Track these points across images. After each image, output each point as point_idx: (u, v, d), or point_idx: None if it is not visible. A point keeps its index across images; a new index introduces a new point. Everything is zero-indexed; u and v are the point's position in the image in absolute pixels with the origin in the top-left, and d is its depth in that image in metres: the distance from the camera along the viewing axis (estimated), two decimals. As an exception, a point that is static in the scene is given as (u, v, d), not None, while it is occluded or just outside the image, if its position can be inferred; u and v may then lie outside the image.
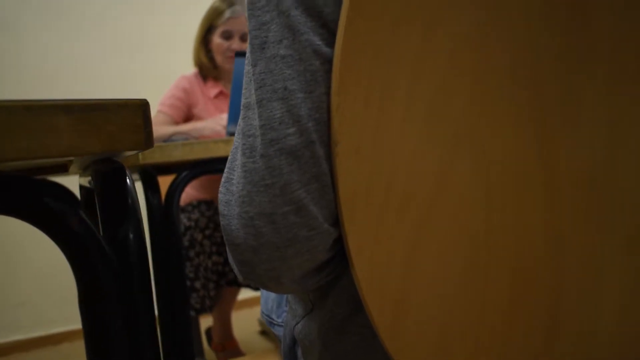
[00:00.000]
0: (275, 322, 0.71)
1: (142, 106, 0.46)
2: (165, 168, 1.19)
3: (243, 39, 1.92)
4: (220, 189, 0.47)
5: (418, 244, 0.43)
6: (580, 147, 0.45)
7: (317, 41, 0.40)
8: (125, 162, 1.12)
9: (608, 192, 0.47)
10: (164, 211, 1.12)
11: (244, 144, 0.43)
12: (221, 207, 0.46)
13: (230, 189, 0.45)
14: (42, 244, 2.53)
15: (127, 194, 0.54)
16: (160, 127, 1.81)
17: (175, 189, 1.12)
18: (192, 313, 1.75)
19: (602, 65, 0.44)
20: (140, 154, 1.06)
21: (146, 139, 0.46)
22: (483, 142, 0.42)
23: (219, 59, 1.92)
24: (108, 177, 0.53)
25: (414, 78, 0.40)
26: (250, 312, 2.76)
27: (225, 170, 0.47)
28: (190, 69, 2.04)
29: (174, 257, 1.12)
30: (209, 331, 2.12)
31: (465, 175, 0.42)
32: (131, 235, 0.51)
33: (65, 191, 0.45)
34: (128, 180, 0.54)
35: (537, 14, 0.41)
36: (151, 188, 1.12)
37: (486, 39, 0.40)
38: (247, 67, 0.43)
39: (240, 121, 0.44)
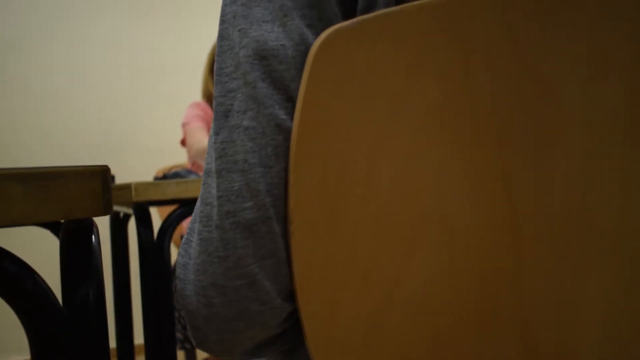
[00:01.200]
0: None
1: (102, 172, 0.46)
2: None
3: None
4: (179, 249, 0.46)
5: (378, 325, 0.41)
6: (552, 207, 0.43)
7: (282, 115, 0.39)
8: (119, 198, 1.12)
9: (586, 244, 0.45)
10: (156, 248, 1.11)
11: (201, 212, 0.42)
12: (178, 270, 0.45)
13: (189, 252, 0.44)
14: (44, 267, 2.54)
15: (91, 255, 0.53)
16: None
17: (168, 227, 1.12)
18: (188, 346, 1.73)
19: (574, 130, 0.43)
20: (134, 190, 1.06)
21: (105, 205, 0.46)
22: (450, 216, 0.41)
23: (227, 87, 1.93)
24: (74, 235, 0.53)
25: (374, 159, 0.39)
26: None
27: (187, 230, 0.46)
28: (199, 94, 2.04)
29: (163, 294, 1.11)
30: (205, 362, 2.10)
31: (430, 252, 0.41)
32: (91, 297, 0.50)
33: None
34: (94, 239, 0.54)
35: (504, 87, 0.40)
36: (144, 224, 1.12)
37: (451, 113, 0.39)
38: (211, 133, 0.43)
39: (201, 186, 0.44)
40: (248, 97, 0.40)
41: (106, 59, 2.76)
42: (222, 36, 0.42)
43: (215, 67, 0.42)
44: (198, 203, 0.44)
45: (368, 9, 0.39)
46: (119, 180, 2.36)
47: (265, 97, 0.39)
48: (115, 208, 1.41)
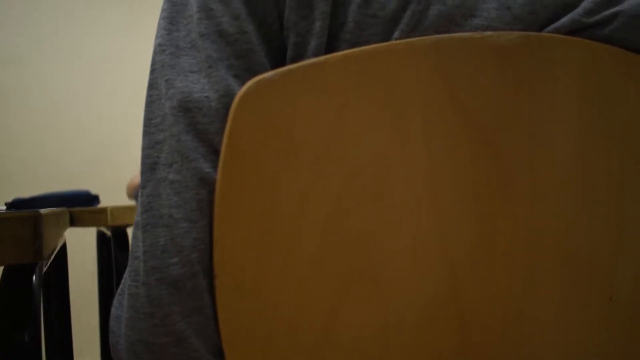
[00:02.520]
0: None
1: (33, 218, 0.44)
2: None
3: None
4: (114, 300, 0.45)
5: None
6: (495, 258, 0.42)
7: (207, 168, 0.38)
8: (98, 221, 1.11)
9: (532, 291, 0.43)
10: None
11: (130, 265, 0.41)
12: (112, 323, 0.44)
13: (123, 304, 0.43)
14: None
15: (30, 298, 0.52)
16: None
17: (146, 250, 1.11)
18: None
19: (517, 178, 0.41)
20: (109, 214, 1.05)
21: (35, 251, 0.45)
22: (382, 273, 0.39)
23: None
24: (12, 279, 0.51)
25: (300, 214, 0.37)
26: None
27: (123, 279, 0.45)
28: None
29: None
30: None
31: (360, 309, 0.39)
32: (26, 340, 0.49)
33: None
34: (34, 279, 0.52)
35: (439, 140, 0.39)
36: (121, 246, 1.11)
37: (381, 167, 0.38)
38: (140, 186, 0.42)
39: (131, 239, 0.42)
40: (173, 149, 0.38)
41: (103, 73, 2.76)
42: (151, 85, 0.41)
43: (143, 118, 0.41)
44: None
45: (297, 58, 0.38)
46: (116, 194, 2.36)
47: (190, 150, 0.38)
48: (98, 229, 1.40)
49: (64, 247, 1.02)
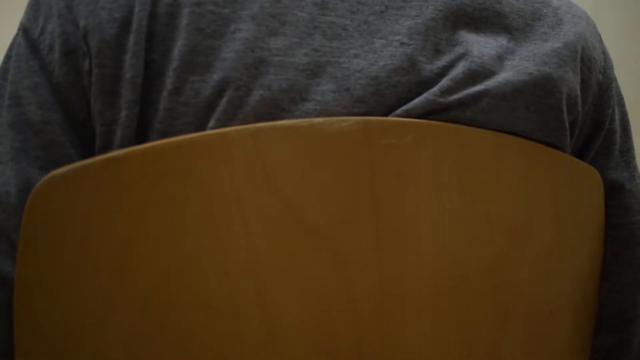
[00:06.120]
0: None
1: None
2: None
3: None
4: None
5: None
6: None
7: (8, 267, 0.36)
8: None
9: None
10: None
11: None
12: None
13: None
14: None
15: None
16: None
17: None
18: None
19: (361, 279, 0.37)
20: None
21: None
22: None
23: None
24: None
25: (102, 328, 0.33)
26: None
27: None
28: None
29: None
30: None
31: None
32: None
33: None
34: None
35: (268, 242, 0.35)
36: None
37: (201, 270, 0.34)
38: None
39: None
40: None
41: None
42: None
43: None
44: None
45: (105, 149, 0.35)
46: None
47: None
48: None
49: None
